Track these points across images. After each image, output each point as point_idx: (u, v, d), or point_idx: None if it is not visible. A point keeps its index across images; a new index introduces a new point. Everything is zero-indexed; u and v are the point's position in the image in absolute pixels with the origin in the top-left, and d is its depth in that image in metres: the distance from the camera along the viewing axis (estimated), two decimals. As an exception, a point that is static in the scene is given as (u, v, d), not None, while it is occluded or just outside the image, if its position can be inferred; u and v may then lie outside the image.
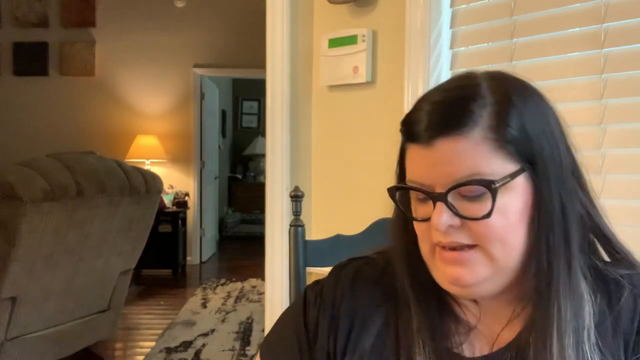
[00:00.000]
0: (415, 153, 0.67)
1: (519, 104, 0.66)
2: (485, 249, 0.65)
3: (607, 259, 0.73)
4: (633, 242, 0.76)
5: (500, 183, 0.63)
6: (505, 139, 0.64)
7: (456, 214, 0.65)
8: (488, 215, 0.63)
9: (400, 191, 0.72)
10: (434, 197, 0.65)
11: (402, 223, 0.74)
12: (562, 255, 0.66)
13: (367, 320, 0.75)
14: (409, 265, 0.73)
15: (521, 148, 0.64)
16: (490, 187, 0.63)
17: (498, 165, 0.64)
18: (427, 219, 0.67)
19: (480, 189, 0.64)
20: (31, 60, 6.03)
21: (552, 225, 0.66)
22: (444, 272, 0.68)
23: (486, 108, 0.64)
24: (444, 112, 0.65)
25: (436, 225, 0.65)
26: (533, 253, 0.66)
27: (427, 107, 0.67)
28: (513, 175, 0.64)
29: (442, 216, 0.64)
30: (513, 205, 0.65)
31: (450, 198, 0.64)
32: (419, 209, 0.69)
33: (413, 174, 0.68)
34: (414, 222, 0.71)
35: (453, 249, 0.66)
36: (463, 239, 0.65)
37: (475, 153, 0.63)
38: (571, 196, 0.67)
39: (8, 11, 6.06)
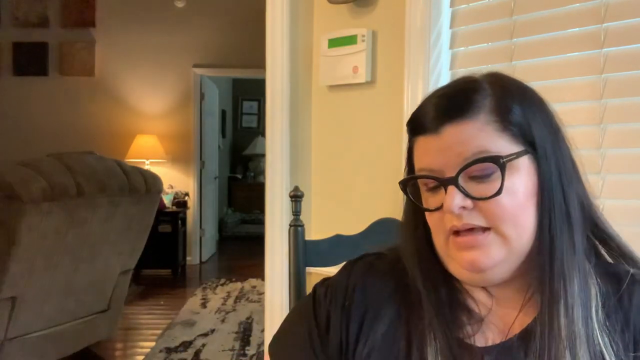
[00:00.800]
0: (424, 142, 0.71)
1: (518, 95, 0.70)
2: (498, 230, 0.68)
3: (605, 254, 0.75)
4: (633, 242, 0.76)
5: (508, 158, 0.66)
6: (508, 121, 0.68)
7: (467, 195, 0.67)
8: (499, 192, 0.66)
9: (411, 187, 0.74)
10: (445, 181, 0.68)
11: (413, 221, 0.76)
12: (565, 232, 0.68)
13: (379, 311, 0.76)
14: (419, 261, 0.75)
15: (523, 132, 0.68)
16: (499, 161, 0.66)
17: (503, 145, 0.67)
18: (439, 207, 0.69)
19: (489, 167, 0.66)
20: (31, 60, 6.03)
21: (553, 203, 0.68)
22: (460, 260, 0.69)
23: (488, 98, 0.69)
24: (448, 102, 0.70)
25: (449, 207, 0.67)
26: (538, 232, 0.69)
27: (433, 100, 0.71)
28: (519, 154, 0.67)
29: (454, 198, 0.67)
30: (521, 185, 0.68)
31: (460, 181, 0.67)
32: (430, 200, 0.72)
33: (422, 163, 0.71)
34: (427, 215, 0.73)
35: (468, 230, 0.68)
36: (476, 220, 0.68)
37: (482, 134, 0.67)
38: (571, 180, 0.70)
39: (8, 11, 6.06)
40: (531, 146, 0.68)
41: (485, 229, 0.68)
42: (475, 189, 0.67)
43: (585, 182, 0.74)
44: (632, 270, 0.71)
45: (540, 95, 0.73)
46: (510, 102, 0.69)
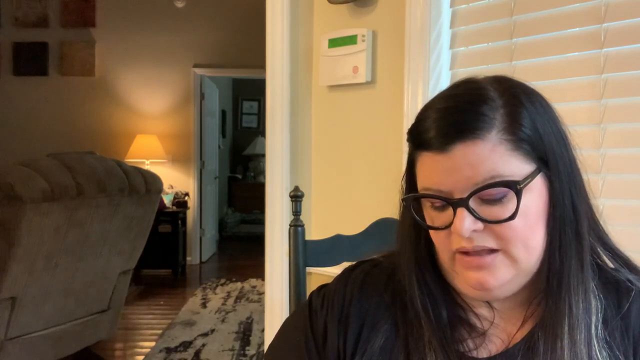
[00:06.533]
0: (429, 160, 0.66)
1: (527, 104, 0.66)
2: (508, 251, 0.65)
3: (606, 260, 0.74)
4: (632, 242, 0.76)
5: (524, 183, 0.64)
6: (520, 138, 0.64)
7: (479, 218, 0.64)
8: (513, 216, 0.63)
9: (414, 202, 0.71)
10: (455, 203, 0.64)
11: (414, 235, 0.74)
12: (574, 252, 0.67)
13: (377, 322, 0.75)
14: (418, 278, 0.73)
15: (535, 147, 0.65)
16: (516, 188, 0.63)
17: (516, 165, 0.64)
18: (446, 227, 0.66)
19: (501, 191, 0.63)
20: (31, 60, 6.03)
21: (564, 221, 0.66)
22: (467, 278, 0.67)
23: (498, 110, 0.65)
24: (456, 117, 0.65)
25: (459, 231, 0.64)
26: (547, 251, 0.67)
27: (433, 115, 0.66)
28: (533, 175, 0.65)
29: (464, 222, 0.64)
30: (532, 205, 0.65)
31: (471, 203, 0.64)
32: (435, 218, 0.68)
33: (428, 182, 0.67)
34: (431, 232, 0.70)
35: (476, 253, 0.66)
36: (487, 242, 0.65)
37: (494, 155, 0.63)
38: (580, 193, 0.68)
39: (8, 11, 6.06)
40: (543, 162, 0.65)
41: (493, 250, 0.66)
42: (487, 211, 0.64)
43: (589, 191, 0.71)
44: (632, 278, 0.70)
45: (547, 99, 0.70)
46: (521, 114, 0.65)
